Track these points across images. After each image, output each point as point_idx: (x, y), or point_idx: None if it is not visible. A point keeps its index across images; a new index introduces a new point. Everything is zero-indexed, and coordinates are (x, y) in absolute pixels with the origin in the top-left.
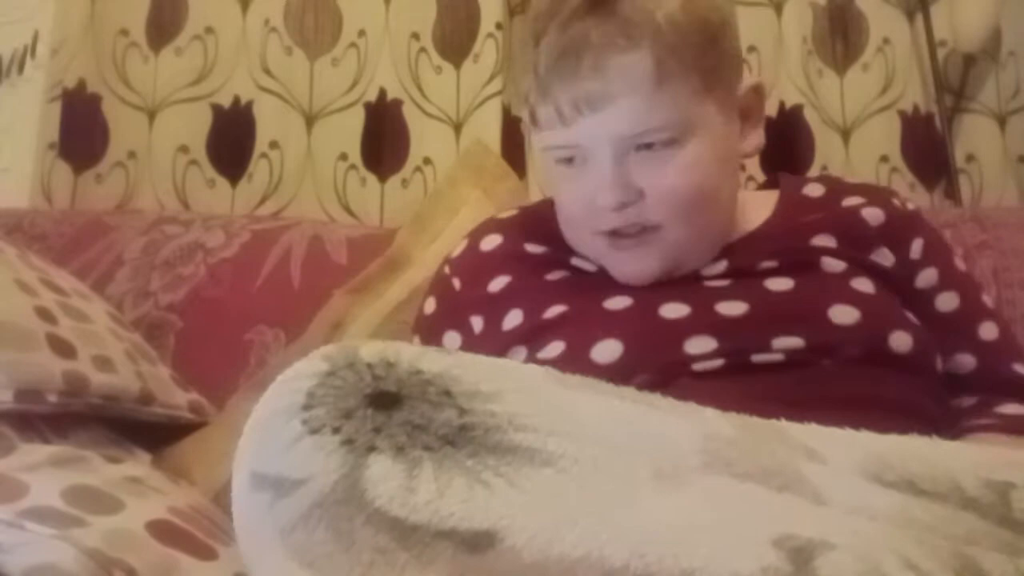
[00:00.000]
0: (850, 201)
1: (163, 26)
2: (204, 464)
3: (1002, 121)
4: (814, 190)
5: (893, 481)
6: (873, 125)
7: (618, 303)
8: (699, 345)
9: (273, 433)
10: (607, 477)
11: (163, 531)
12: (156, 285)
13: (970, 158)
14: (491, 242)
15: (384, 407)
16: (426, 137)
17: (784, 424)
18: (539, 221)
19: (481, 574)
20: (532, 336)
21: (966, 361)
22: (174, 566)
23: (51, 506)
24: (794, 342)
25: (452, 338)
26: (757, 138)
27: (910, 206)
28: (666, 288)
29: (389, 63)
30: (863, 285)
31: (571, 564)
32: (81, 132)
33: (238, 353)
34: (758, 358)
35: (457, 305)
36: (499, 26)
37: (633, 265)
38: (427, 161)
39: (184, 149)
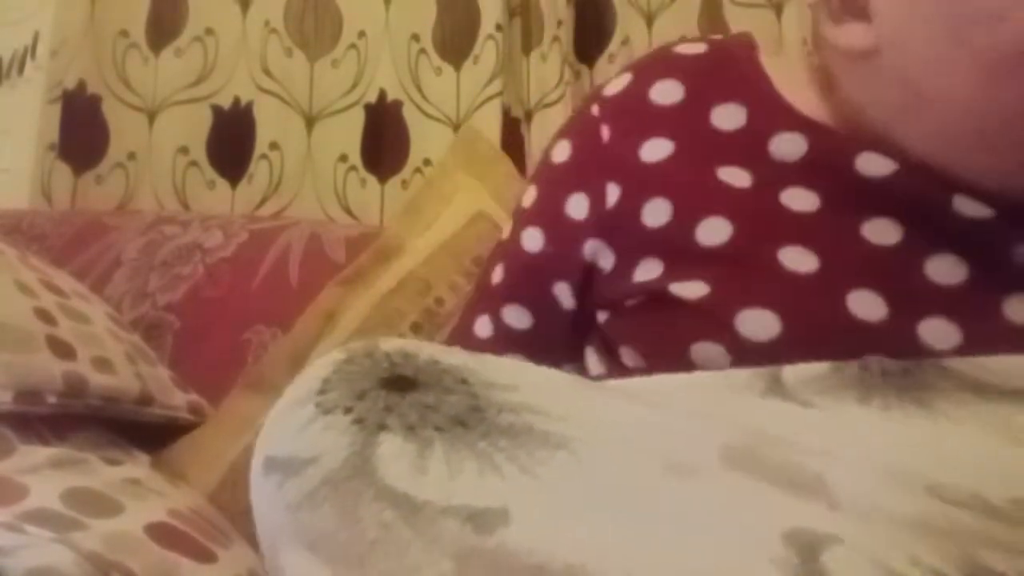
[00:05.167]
0: None
1: (163, 27)
2: (199, 464)
3: None
4: None
5: (915, 489)
6: None
7: (798, 259)
8: None
9: (287, 419)
10: (619, 464)
11: (163, 534)
12: (154, 285)
13: None
14: (665, 93)
15: (398, 389)
16: (426, 138)
17: (807, 436)
18: (736, 69)
19: (486, 555)
20: (674, 255)
21: None
22: (173, 569)
23: (50, 508)
24: None
25: (578, 203)
26: None
27: None
28: (865, 256)
29: (389, 64)
30: None
31: (578, 555)
32: (81, 133)
33: (236, 353)
34: None
35: (598, 161)
36: (499, 27)
37: None
38: (427, 162)
39: (184, 150)
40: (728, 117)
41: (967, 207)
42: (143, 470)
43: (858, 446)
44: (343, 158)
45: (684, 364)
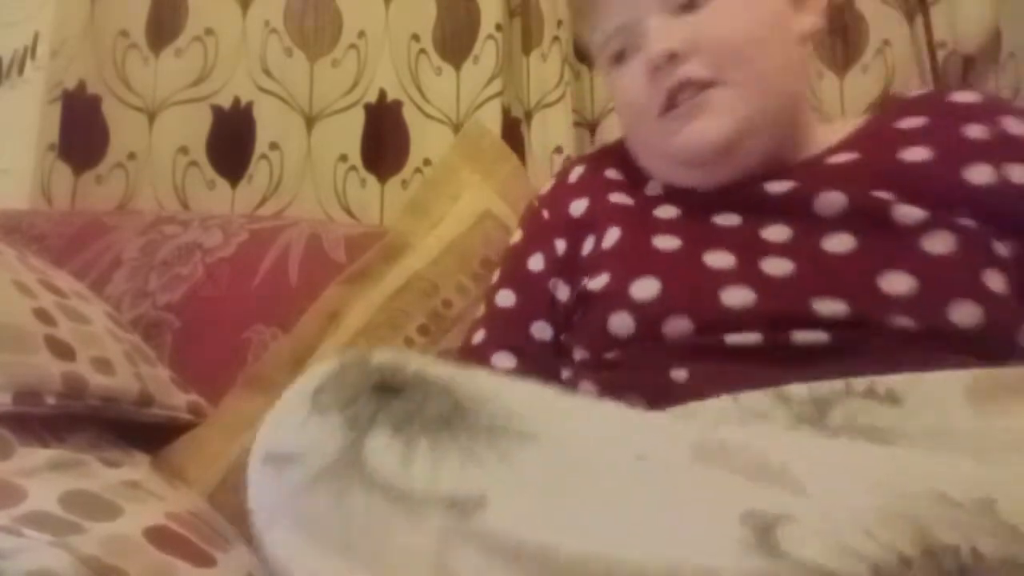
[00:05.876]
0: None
1: (163, 27)
2: (199, 463)
3: None
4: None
5: (879, 484)
6: None
7: (666, 243)
8: (737, 296)
9: (284, 418)
10: (593, 452)
11: (161, 537)
12: (154, 285)
13: None
14: (576, 173)
15: (386, 395)
16: (426, 138)
17: (772, 443)
18: (620, 152)
19: (468, 537)
20: (592, 265)
21: None
22: (171, 573)
23: (49, 512)
24: (837, 308)
25: (536, 259)
26: (813, 19)
27: None
28: (714, 234)
29: (389, 64)
30: (937, 244)
31: (553, 535)
32: (81, 133)
33: (236, 352)
34: (800, 337)
35: (543, 230)
36: (499, 27)
37: (697, 133)
38: (427, 162)
39: (184, 150)
40: (616, 175)
41: (775, 187)
42: (142, 472)
43: (826, 452)
44: (343, 158)
45: (605, 338)
